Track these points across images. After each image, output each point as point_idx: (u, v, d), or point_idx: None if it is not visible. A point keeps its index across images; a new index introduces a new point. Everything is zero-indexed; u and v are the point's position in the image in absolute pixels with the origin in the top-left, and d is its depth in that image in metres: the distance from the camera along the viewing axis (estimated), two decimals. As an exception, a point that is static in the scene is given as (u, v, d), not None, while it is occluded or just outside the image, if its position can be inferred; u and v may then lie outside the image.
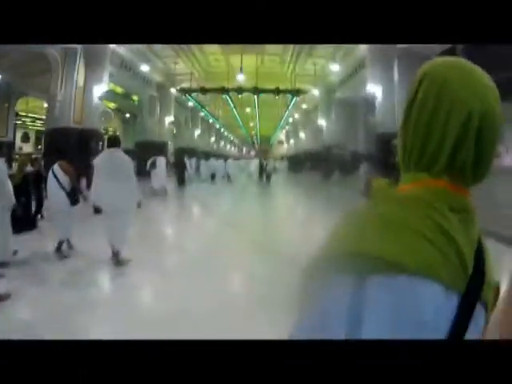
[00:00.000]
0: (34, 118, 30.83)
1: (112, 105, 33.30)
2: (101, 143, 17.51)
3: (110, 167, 5.79)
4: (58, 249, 6.31)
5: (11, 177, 6.45)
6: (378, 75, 15.84)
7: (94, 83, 16.95)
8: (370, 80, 16.33)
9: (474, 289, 0.65)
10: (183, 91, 24.44)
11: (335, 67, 20.69)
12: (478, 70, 0.73)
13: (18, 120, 28.22)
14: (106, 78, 17.62)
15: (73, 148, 15.37)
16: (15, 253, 5.91)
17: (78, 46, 15.98)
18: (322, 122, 27.11)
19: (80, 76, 16.42)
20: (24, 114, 29.68)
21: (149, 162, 17.12)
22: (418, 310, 0.59)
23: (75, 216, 6.76)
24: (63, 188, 6.32)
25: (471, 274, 0.65)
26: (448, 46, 13.75)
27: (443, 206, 0.67)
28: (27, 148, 27.94)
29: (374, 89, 16.04)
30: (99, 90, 17.20)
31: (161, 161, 17.16)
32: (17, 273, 5.41)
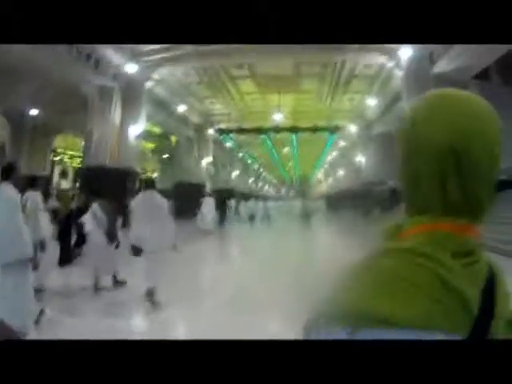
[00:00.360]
0: (71, 155, 31.52)
1: (150, 145, 34.23)
2: (137, 183, 17.61)
3: (147, 209, 5.91)
4: (96, 285, 6.45)
5: (55, 212, 6.86)
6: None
7: (130, 121, 17.21)
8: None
9: (479, 328, 0.62)
10: (221, 132, 24.71)
11: (372, 101, 20.26)
12: (459, 103, 0.69)
13: (57, 156, 28.77)
14: (142, 116, 17.89)
15: (107, 187, 15.30)
16: (42, 313, 5.01)
17: (115, 84, 16.38)
18: (360, 158, 26.60)
19: (116, 114, 16.73)
20: (62, 150, 30.09)
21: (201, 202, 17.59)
22: None
23: (114, 253, 6.88)
24: (102, 226, 6.56)
25: (477, 314, 0.62)
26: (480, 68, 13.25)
27: (444, 253, 0.64)
28: (65, 185, 28.50)
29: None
30: (136, 128, 17.46)
31: (208, 202, 17.72)
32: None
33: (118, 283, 6.72)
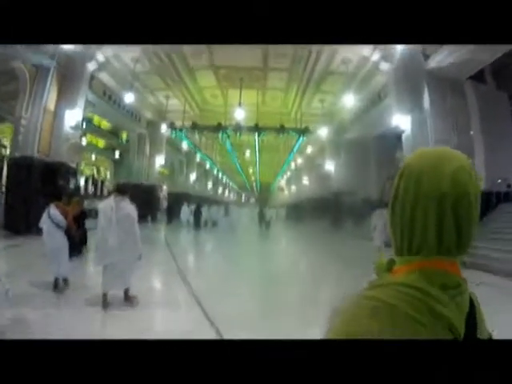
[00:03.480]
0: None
1: (101, 142, 31.32)
2: (73, 180, 14.81)
3: (115, 216, 5.77)
4: (56, 286, 6.46)
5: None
6: (405, 104, 13.33)
7: (66, 108, 14.46)
8: (396, 110, 13.77)
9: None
10: (174, 128, 21.78)
11: (347, 101, 18.04)
12: (451, 156, 0.82)
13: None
14: (81, 104, 15.11)
15: (35, 182, 13.12)
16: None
17: (52, 63, 13.53)
18: (329, 165, 24.47)
19: (51, 99, 13.95)
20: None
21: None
22: None
23: (67, 255, 6.80)
24: (60, 227, 6.55)
25: (464, 337, 0.73)
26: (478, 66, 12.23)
27: (435, 288, 0.74)
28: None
29: (401, 120, 13.43)
30: (73, 117, 14.61)
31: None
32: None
33: (66, 284, 6.68)
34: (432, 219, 0.77)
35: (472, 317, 0.78)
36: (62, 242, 6.56)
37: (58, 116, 14.29)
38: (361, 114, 19.48)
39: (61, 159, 14.15)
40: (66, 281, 6.67)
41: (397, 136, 14.56)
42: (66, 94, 14.39)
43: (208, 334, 4.54)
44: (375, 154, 20.96)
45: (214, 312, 5.49)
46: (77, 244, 7.88)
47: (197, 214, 24.99)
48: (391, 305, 0.70)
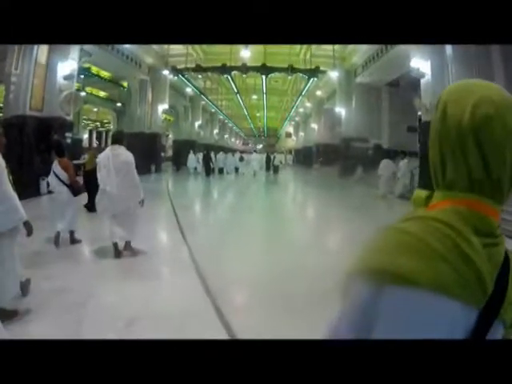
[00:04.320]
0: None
1: (102, 93, 30.29)
2: (69, 134, 14.08)
3: (112, 165, 5.84)
4: (57, 240, 6.45)
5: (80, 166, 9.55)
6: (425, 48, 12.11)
7: (59, 60, 13.41)
8: (414, 53, 12.60)
9: (492, 308, 0.67)
10: (177, 71, 20.56)
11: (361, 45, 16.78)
12: (476, 88, 0.76)
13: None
14: (74, 53, 14.08)
15: (29, 140, 12.42)
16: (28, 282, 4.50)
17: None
18: (339, 111, 23.32)
19: (41, 50, 12.89)
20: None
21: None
22: (431, 325, 0.63)
23: (77, 209, 6.86)
24: (64, 183, 6.53)
25: (491, 293, 0.67)
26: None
27: (467, 228, 0.69)
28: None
29: (420, 64, 12.31)
30: (66, 68, 13.58)
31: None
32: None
33: (74, 241, 6.70)
34: (458, 154, 0.73)
35: (504, 275, 0.71)
36: (68, 197, 6.54)
37: (50, 69, 13.26)
38: (375, 57, 18.14)
39: (55, 114, 13.28)
40: (72, 233, 6.72)
41: (413, 82, 13.50)
42: (57, 45, 13.13)
43: (205, 305, 4.20)
44: (388, 100, 19.91)
45: (212, 277, 5.01)
46: (92, 199, 7.99)
47: (206, 161, 25.04)
48: (420, 238, 0.67)
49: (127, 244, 6.17)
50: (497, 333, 0.69)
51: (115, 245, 5.94)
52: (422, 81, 12.56)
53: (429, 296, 0.62)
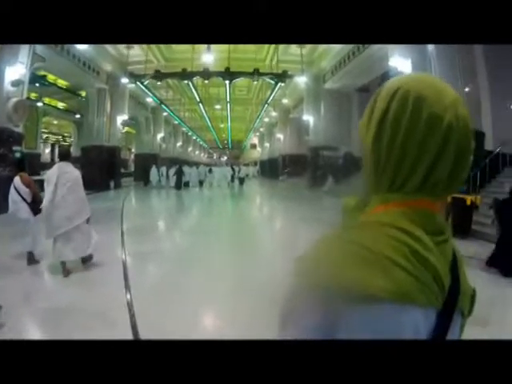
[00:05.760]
0: None
1: (61, 104, 28.83)
2: (17, 147, 12.81)
3: (59, 182, 5.68)
4: (30, 258, 6.28)
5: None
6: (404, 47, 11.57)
7: (6, 64, 12.11)
8: (392, 52, 12.04)
9: (450, 302, 0.68)
10: (135, 78, 19.32)
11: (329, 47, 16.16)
12: (447, 85, 0.72)
13: None
14: (24, 57, 12.76)
15: None
16: None
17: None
18: (307, 119, 22.66)
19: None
20: None
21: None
22: (396, 336, 0.61)
23: (39, 227, 6.25)
24: (25, 200, 6.35)
25: (448, 289, 0.68)
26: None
27: (419, 230, 0.67)
28: None
29: (400, 63, 11.72)
30: (14, 73, 12.26)
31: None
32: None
33: (32, 261, 6.31)
34: (430, 153, 0.68)
35: (455, 268, 0.73)
36: (29, 214, 6.36)
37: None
38: (345, 60, 17.55)
39: (1, 124, 11.99)
40: (31, 254, 6.40)
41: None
42: (4, 47, 11.99)
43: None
44: (359, 106, 19.45)
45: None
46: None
47: (179, 176, 25.02)
48: (372, 248, 0.62)
49: (84, 260, 6.08)
50: (456, 324, 0.70)
51: (63, 264, 5.76)
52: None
53: (392, 309, 0.59)
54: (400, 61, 11.66)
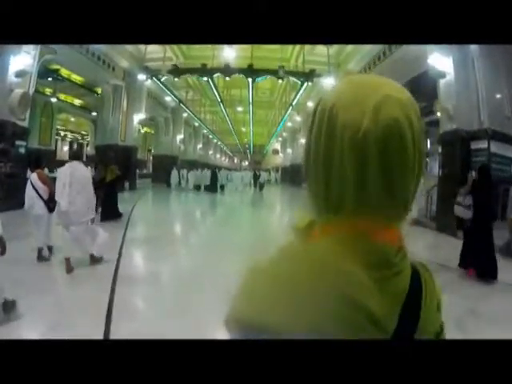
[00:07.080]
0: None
1: (77, 101, 28.24)
2: (22, 142, 12.07)
3: (69, 179, 5.85)
4: (40, 255, 6.41)
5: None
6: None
7: (10, 53, 11.28)
8: (431, 49, 10.76)
9: (402, 336, 0.60)
10: (151, 73, 18.33)
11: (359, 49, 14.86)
12: (378, 85, 0.61)
13: None
14: (29, 47, 11.90)
15: None
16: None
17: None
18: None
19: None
20: None
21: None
22: None
23: (53, 223, 6.62)
24: (41, 196, 6.41)
25: (393, 332, 0.58)
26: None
27: (353, 264, 0.58)
28: None
29: (440, 63, 10.49)
30: (17, 63, 11.43)
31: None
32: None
33: (42, 257, 6.45)
34: (349, 165, 0.59)
35: (413, 304, 0.62)
36: (44, 210, 6.45)
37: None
38: (375, 61, 16.31)
39: (3, 117, 11.20)
40: (50, 249, 6.74)
41: (417, 89, 11.60)
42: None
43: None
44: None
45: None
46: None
47: (214, 179, 25.03)
48: (290, 282, 0.56)
49: (92, 257, 6.23)
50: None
51: (67, 260, 5.83)
52: (442, 82, 10.66)
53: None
54: (440, 59, 10.43)
